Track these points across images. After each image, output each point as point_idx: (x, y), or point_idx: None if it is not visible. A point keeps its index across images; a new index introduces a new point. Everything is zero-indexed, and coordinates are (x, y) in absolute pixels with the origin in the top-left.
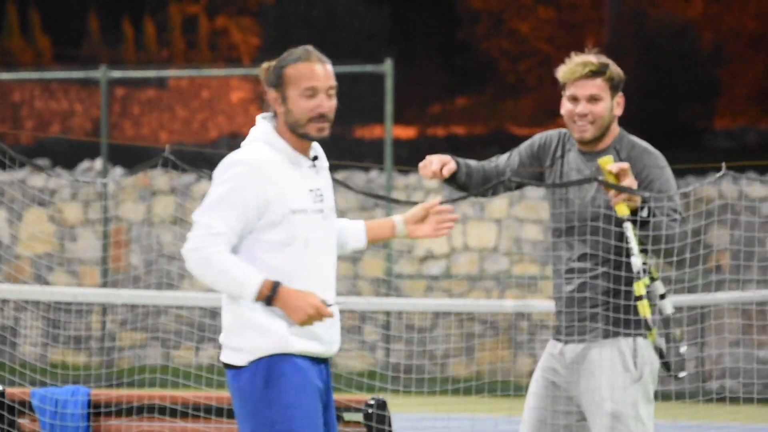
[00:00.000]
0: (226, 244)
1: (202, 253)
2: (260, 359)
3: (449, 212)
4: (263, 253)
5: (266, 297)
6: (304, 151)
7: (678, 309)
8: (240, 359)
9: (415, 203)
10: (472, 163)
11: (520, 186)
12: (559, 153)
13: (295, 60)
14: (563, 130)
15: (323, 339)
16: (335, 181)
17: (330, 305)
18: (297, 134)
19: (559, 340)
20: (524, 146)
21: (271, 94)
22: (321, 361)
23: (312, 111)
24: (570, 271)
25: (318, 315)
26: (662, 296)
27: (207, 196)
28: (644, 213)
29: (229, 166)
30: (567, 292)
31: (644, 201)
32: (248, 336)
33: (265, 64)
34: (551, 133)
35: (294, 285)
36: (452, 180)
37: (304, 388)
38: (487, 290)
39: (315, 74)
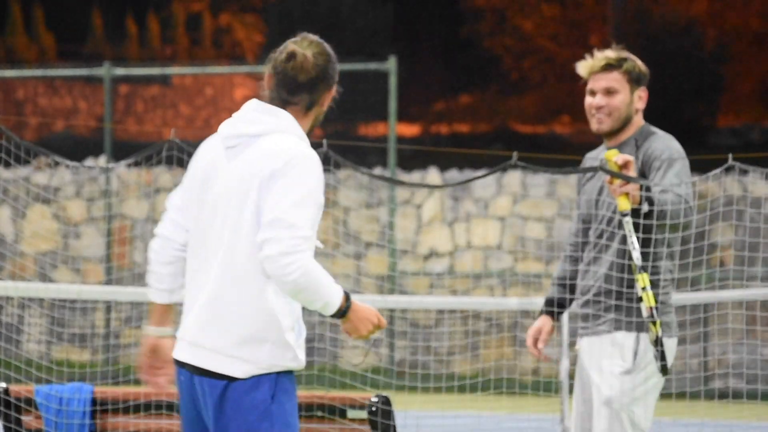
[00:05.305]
0: (312, 250)
1: (301, 259)
2: (269, 374)
3: None
4: None
5: (342, 309)
6: None
7: (681, 306)
8: (242, 371)
9: (420, 185)
10: (564, 275)
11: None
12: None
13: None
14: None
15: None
16: (387, 178)
17: None
18: (311, 129)
19: (579, 334)
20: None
21: (332, 91)
22: None
23: None
24: (586, 264)
25: (379, 327)
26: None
27: (284, 190)
28: (645, 207)
29: (304, 161)
30: (583, 288)
31: (646, 196)
32: (264, 349)
33: (311, 55)
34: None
35: None
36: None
37: (296, 407)
38: (490, 288)
39: None
